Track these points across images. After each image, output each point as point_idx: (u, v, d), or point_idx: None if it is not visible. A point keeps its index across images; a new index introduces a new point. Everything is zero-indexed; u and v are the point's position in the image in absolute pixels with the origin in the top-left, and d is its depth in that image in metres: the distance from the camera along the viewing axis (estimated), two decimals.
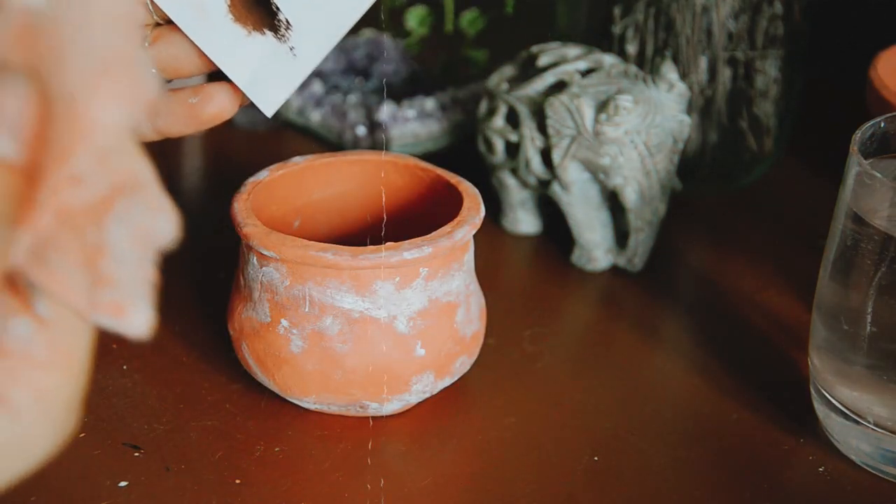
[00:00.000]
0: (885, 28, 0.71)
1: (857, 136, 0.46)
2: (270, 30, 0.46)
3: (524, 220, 0.64)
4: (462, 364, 0.50)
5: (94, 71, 0.29)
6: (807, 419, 0.50)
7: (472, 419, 0.51)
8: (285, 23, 0.46)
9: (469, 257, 0.50)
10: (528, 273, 0.63)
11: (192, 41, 0.46)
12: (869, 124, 0.47)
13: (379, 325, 0.47)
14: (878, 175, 0.44)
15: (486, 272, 0.56)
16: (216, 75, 0.48)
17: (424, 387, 0.48)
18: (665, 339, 0.57)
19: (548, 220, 0.64)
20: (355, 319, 0.47)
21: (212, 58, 0.46)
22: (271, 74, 0.46)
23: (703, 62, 0.63)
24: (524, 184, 0.62)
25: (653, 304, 0.59)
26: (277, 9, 0.46)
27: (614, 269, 0.61)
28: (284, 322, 0.47)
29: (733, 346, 0.55)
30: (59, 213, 0.29)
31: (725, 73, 0.64)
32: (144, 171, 0.31)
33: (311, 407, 0.49)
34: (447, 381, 0.50)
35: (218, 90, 0.47)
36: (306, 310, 0.47)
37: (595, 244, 0.61)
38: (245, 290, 0.49)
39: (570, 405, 0.52)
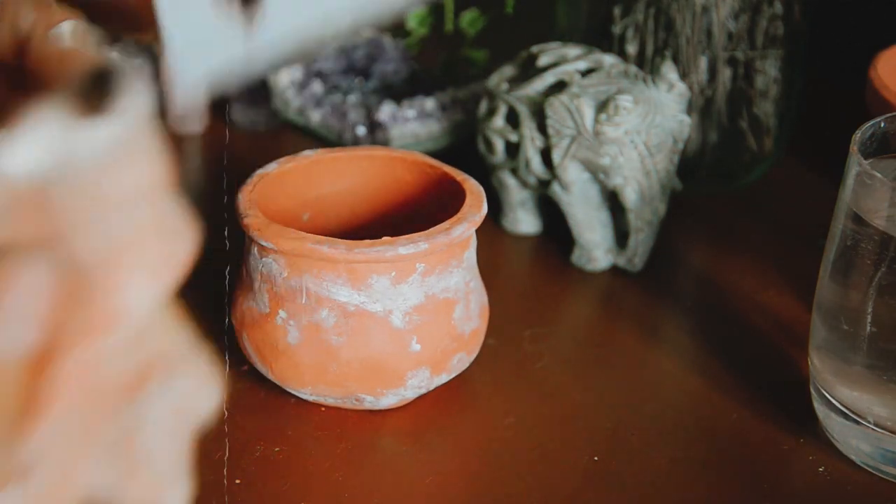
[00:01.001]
0: (885, 28, 0.71)
1: (857, 136, 0.46)
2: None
3: (524, 220, 0.64)
4: (460, 361, 0.50)
5: (114, 246, 0.24)
6: (807, 419, 0.50)
7: (473, 419, 0.51)
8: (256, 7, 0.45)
9: (470, 255, 0.50)
10: (528, 273, 0.63)
11: None
12: (869, 124, 0.47)
13: (374, 319, 0.47)
14: (878, 175, 0.44)
15: (487, 272, 0.56)
16: None
17: (420, 382, 0.48)
18: (665, 339, 0.57)
19: (548, 220, 0.64)
20: (351, 313, 0.47)
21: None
22: (214, 48, 0.44)
23: (703, 62, 0.63)
24: (524, 184, 0.62)
25: (653, 304, 0.59)
26: None
27: (614, 269, 0.61)
28: (282, 313, 0.47)
29: (733, 346, 0.55)
30: (84, 399, 0.25)
31: (725, 73, 0.64)
32: (181, 344, 0.27)
33: (309, 398, 0.50)
34: (444, 378, 0.50)
35: None
36: (303, 301, 0.47)
37: (595, 244, 0.61)
38: (246, 281, 0.49)
39: (570, 405, 0.52)
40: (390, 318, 0.47)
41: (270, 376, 0.49)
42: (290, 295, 0.47)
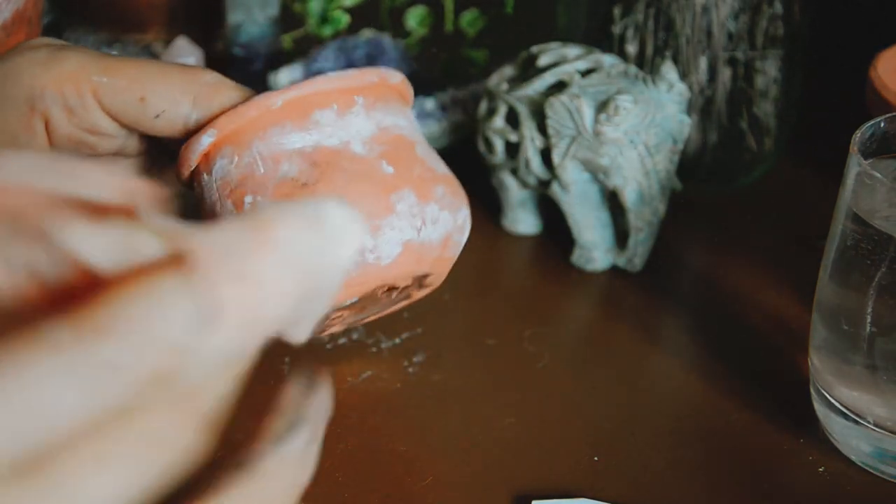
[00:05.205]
0: (885, 28, 0.71)
1: (857, 136, 0.46)
2: None
3: (524, 220, 0.64)
4: (445, 195, 0.46)
5: None
6: (807, 419, 0.50)
7: (473, 419, 0.51)
8: None
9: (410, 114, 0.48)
10: (528, 273, 0.63)
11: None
12: (869, 124, 0.47)
13: (336, 152, 0.44)
14: (878, 175, 0.44)
15: (486, 272, 0.56)
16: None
17: (411, 207, 0.45)
18: (665, 339, 0.57)
19: (548, 220, 0.64)
20: (309, 153, 0.44)
21: None
22: None
23: (703, 62, 0.63)
24: (524, 184, 0.62)
25: (653, 304, 0.59)
26: None
27: (614, 269, 0.61)
28: (248, 198, 0.44)
29: (733, 346, 0.55)
30: None
31: (725, 73, 0.64)
32: None
33: None
34: (435, 211, 0.46)
35: None
36: (262, 171, 0.44)
37: (595, 244, 0.61)
38: (210, 215, 0.46)
39: (570, 405, 0.52)
40: (350, 147, 0.45)
41: None
42: (248, 174, 0.44)
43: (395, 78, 0.47)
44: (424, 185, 0.46)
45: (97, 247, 0.22)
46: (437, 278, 0.49)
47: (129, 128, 0.46)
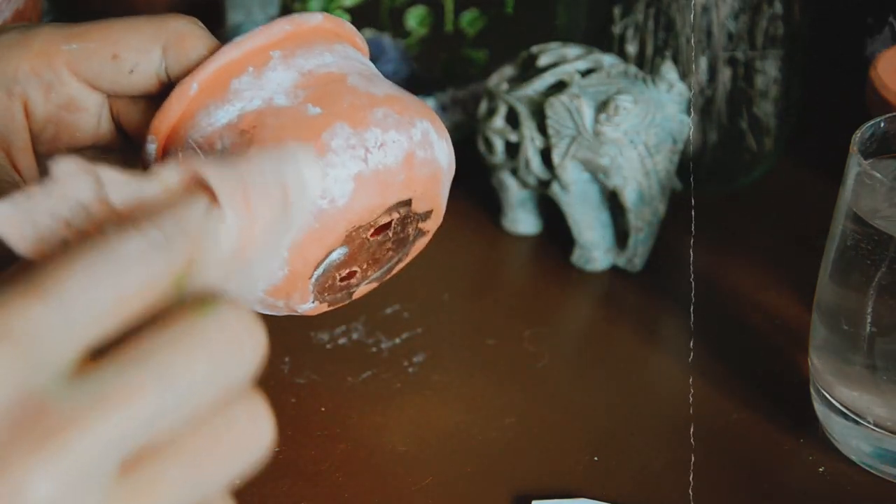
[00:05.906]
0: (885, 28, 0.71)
1: (857, 136, 0.46)
2: None
3: (524, 220, 0.64)
4: (386, 116, 0.44)
5: None
6: (807, 419, 0.50)
7: (473, 419, 0.51)
8: None
9: (344, 48, 0.46)
10: (528, 273, 0.63)
11: None
12: (869, 124, 0.47)
13: (260, 113, 0.43)
14: (878, 175, 0.44)
15: (486, 272, 0.56)
16: None
17: (347, 141, 0.43)
18: (665, 339, 0.57)
19: (548, 220, 0.64)
20: (236, 123, 0.43)
21: None
22: None
23: (703, 62, 0.63)
24: (524, 184, 0.62)
25: (653, 304, 0.59)
26: None
27: (614, 269, 0.61)
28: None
29: (733, 346, 0.55)
30: None
31: (725, 73, 0.64)
32: None
33: None
34: (377, 137, 0.44)
35: None
36: (203, 158, 0.44)
37: (595, 244, 0.61)
38: None
39: (570, 405, 0.52)
40: (273, 102, 0.43)
41: None
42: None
43: (314, 19, 0.45)
44: (358, 114, 0.44)
45: (117, 188, 0.28)
46: (428, 202, 0.46)
47: (107, 92, 0.45)
